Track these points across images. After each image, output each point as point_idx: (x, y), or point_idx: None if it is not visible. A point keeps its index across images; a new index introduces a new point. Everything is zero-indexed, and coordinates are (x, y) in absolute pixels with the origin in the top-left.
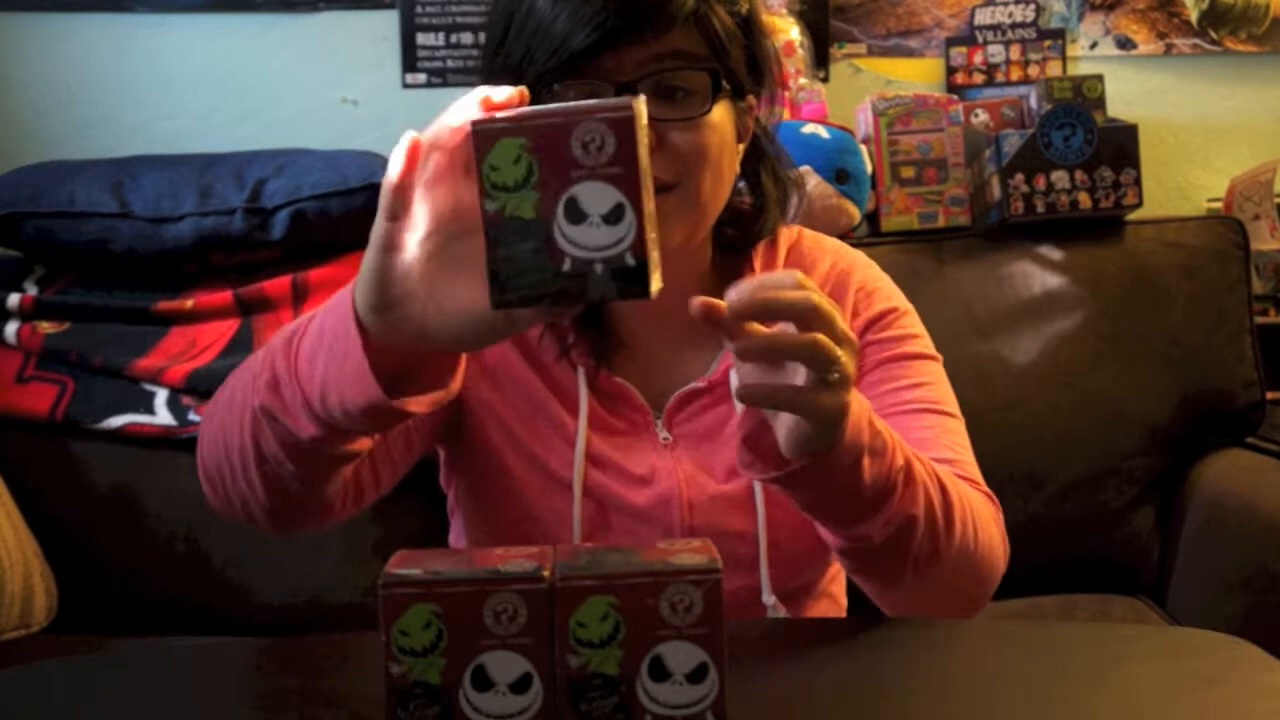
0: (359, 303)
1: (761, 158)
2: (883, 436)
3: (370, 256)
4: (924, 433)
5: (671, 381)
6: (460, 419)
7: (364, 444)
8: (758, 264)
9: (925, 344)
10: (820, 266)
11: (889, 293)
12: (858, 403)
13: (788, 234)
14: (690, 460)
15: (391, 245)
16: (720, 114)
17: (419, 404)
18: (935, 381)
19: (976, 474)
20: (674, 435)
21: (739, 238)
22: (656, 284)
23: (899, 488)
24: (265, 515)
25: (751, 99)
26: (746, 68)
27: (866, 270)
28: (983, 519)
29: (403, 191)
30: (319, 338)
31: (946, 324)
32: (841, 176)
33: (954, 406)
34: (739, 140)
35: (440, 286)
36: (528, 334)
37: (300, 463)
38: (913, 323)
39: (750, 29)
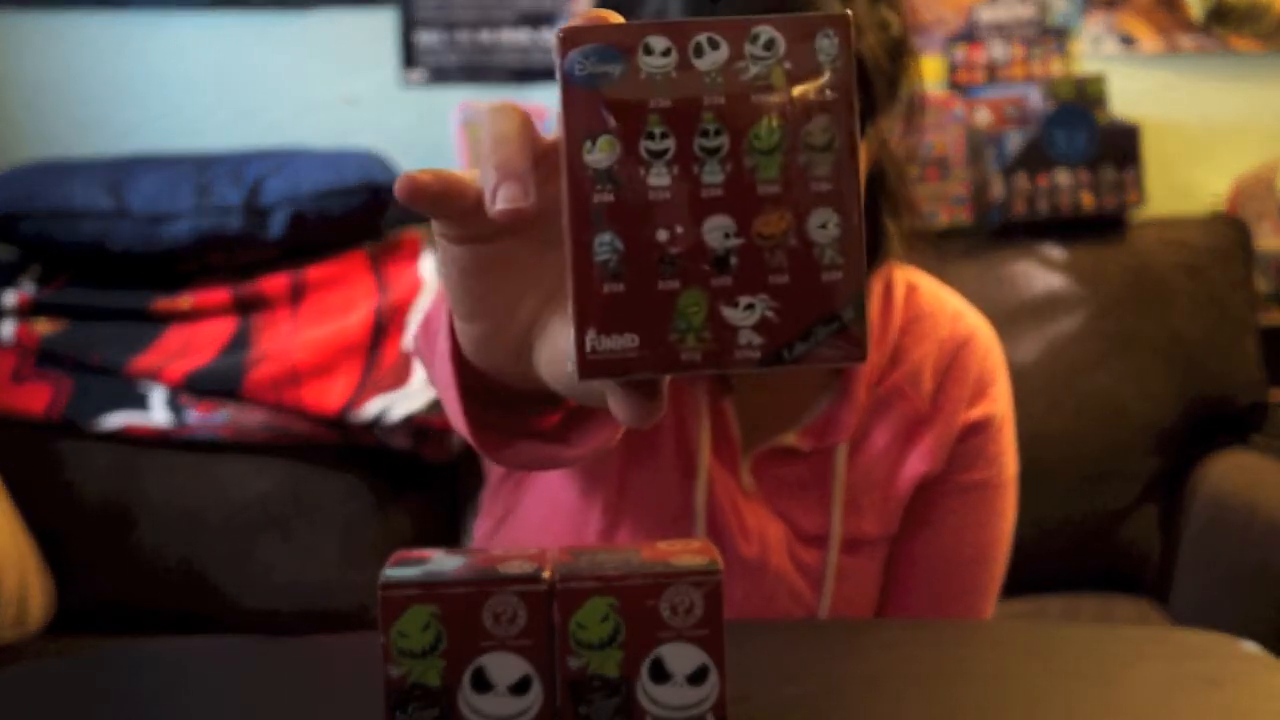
0: (451, 305)
1: (882, 188)
2: None
3: (461, 246)
4: (961, 586)
5: (764, 419)
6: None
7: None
8: (874, 306)
9: (1011, 459)
10: (938, 330)
11: (1003, 387)
12: None
13: (902, 276)
14: (775, 517)
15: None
16: None
17: (525, 453)
18: (1003, 520)
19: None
20: (756, 481)
21: None
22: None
23: None
24: None
25: (882, 123)
26: (887, 90)
27: (989, 350)
28: None
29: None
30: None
31: None
32: None
33: (1008, 538)
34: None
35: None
36: None
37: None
38: (1009, 433)
39: (899, 53)
